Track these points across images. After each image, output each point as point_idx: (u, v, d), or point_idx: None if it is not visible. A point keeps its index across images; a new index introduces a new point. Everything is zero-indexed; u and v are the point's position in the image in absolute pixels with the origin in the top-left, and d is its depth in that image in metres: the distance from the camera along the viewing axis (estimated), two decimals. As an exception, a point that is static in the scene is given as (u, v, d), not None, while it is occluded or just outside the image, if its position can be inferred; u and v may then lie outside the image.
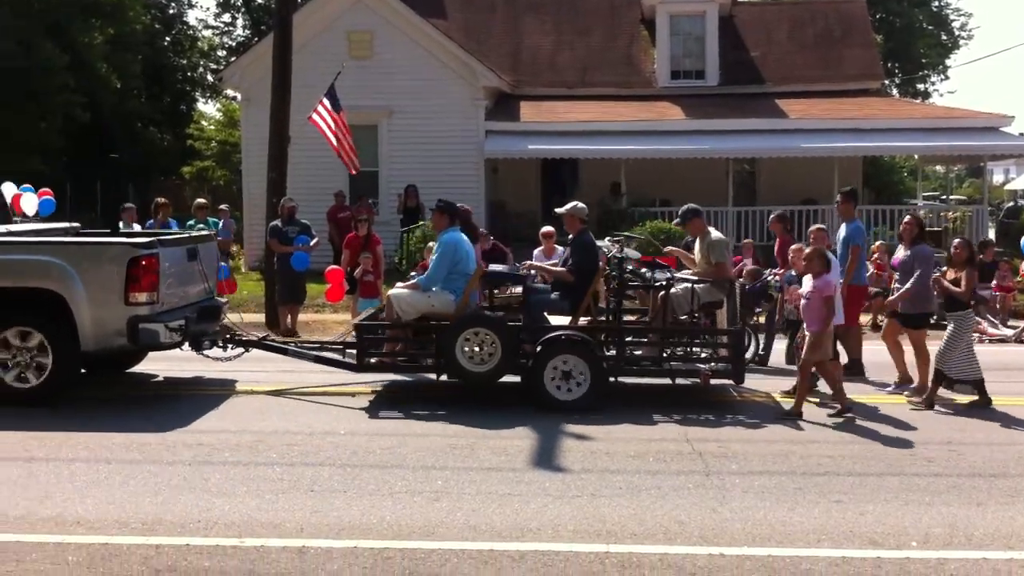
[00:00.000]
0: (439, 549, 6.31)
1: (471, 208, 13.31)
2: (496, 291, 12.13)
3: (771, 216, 14.47)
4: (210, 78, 51.16)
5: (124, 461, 8.34)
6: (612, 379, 10.69)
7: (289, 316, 16.12)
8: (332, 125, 17.56)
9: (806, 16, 28.38)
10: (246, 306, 18.56)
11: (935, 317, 11.93)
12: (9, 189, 16.07)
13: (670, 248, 12.59)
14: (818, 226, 12.35)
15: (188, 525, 6.75)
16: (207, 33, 54.15)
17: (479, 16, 28.29)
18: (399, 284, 11.58)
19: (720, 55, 26.76)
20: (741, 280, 12.53)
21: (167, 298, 10.68)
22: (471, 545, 6.39)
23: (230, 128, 40.12)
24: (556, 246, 13.88)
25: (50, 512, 7.02)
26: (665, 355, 10.72)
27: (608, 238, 11.62)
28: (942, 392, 10.78)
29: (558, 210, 11.72)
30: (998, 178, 57.46)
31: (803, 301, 10.35)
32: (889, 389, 11.46)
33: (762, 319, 13.33)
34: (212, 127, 45.38)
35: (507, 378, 10.56)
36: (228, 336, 11.85)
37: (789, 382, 11.03)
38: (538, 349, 10.31)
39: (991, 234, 27.57)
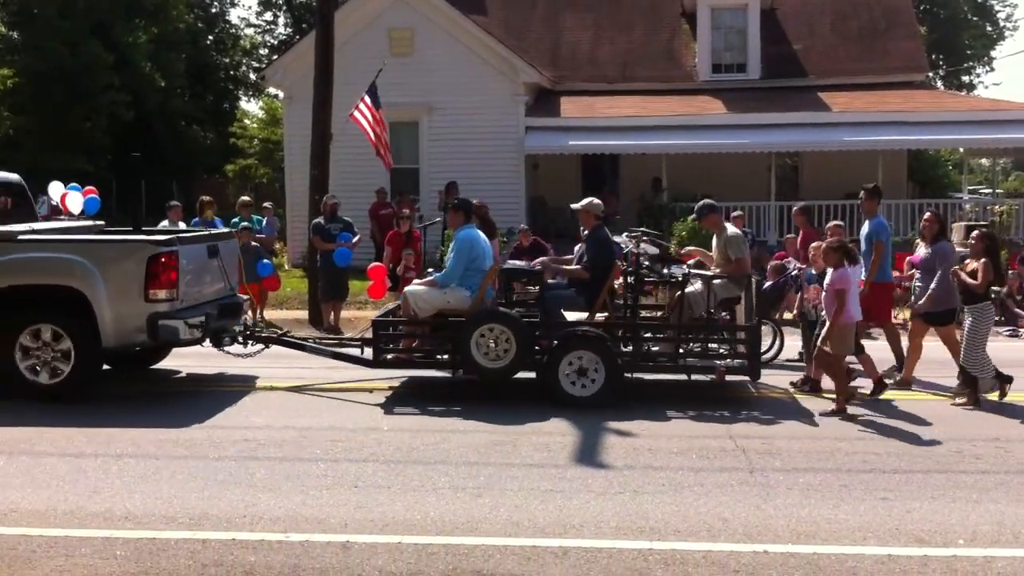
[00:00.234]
0: (482, 545, 6.33)
1: (487, 205, 13.33)
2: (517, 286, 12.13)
3: (794, 209, 14.40)
4: (252, 76, 51.57)
5: (171, 456, 8.43)
6: (628, 375, 10.69)
7: (332, 312, 16.22)
8: (372, 121, 17.65)
9: (849, 8, 28.08)
10: (290, 303, 18.72)
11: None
12: (56, 188, 16.28)
13: (689, 248, 12.55)
14: (835, 223, 12.27)
15: (234, 520, 6.82)
16: (249, 31, 54.65)
17: (519, 12, 28.27)
18: (416, 281, 11.66)
19: (762, 48, 26.54)
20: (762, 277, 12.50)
21: (187, 295, 10.79)
22: (514, 541, 6.40)
23: (272, 126, 40.43)
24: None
25: (98, 507, 7.11)
26: (681, 351, 10.69)
27: (625, 234, 11.61)
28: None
29: (573, 206, 11.75)
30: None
31: (823, 295, 10.30)
32: (890, 381, 11.34)
33: (787, 315, 13.25)
34: (255, 125, 45.79)
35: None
36: (248, 332, 11.98)
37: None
38: (553, 345, 10.31)
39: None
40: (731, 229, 11.55)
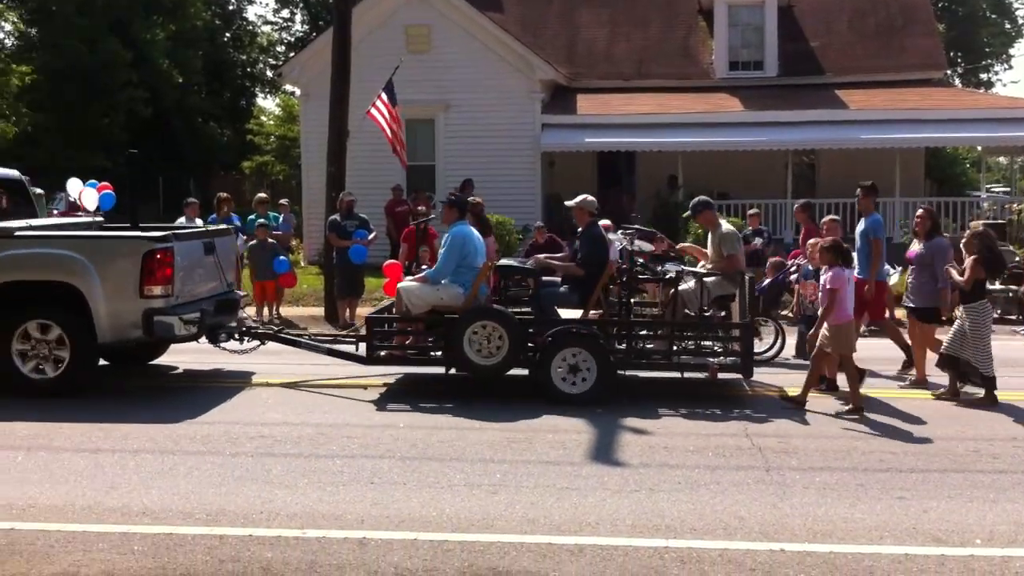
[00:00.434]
0: (498, 542, 6.34)
1: (483, 201, 13.38)
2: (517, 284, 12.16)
3: (796, 206, 14.38)
4: (269, 73, 51.72)
5: (187, 452, 8.47)
6: (621, 372, 10.73)
7: (348, 309, 16.26)
8: (388, 118, 17.67)
9: (867, 5, 27.94)
10: (306, 300, 18.77)
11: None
12: (75, 185, 16.35)
13: (682, 245, 12.57)
14: (831, 217, 12.23)
15: (251, 516, 6.84)
16: (266, 29, 54.78)
17: (535, 9, 28.25)
18: (409, 277, 11.69)
19: (779, 45, 26.43)
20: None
21: (183, 291, 10.84)
22: (530, 538, 6.40)
23: (289, 123, 40.52)
24: (611, 237, 13.82)
25: (116, 502, 7.15)
26: (675, 348, 10.68)
27: (620, 231, 11.62)
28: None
29: (568, 203, 11.79)
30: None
31: (819, 294, 10.28)
32: (903, 384, 11.31)
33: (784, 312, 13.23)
34: (271, 122, 45.89)
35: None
36: (244, 329, 12.04)
37: (799, 377, 11.03)
38: (545, 342, 10.33)
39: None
40: (725, 226, 11.57)
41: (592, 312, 10.88)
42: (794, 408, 10.00)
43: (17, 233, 10.90)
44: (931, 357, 11.28)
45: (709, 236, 11.63)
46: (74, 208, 21.72)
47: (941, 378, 11.09)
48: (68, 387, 10.52)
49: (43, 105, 37.21)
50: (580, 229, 11.53)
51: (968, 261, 10.43)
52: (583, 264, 11.16)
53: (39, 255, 10.61)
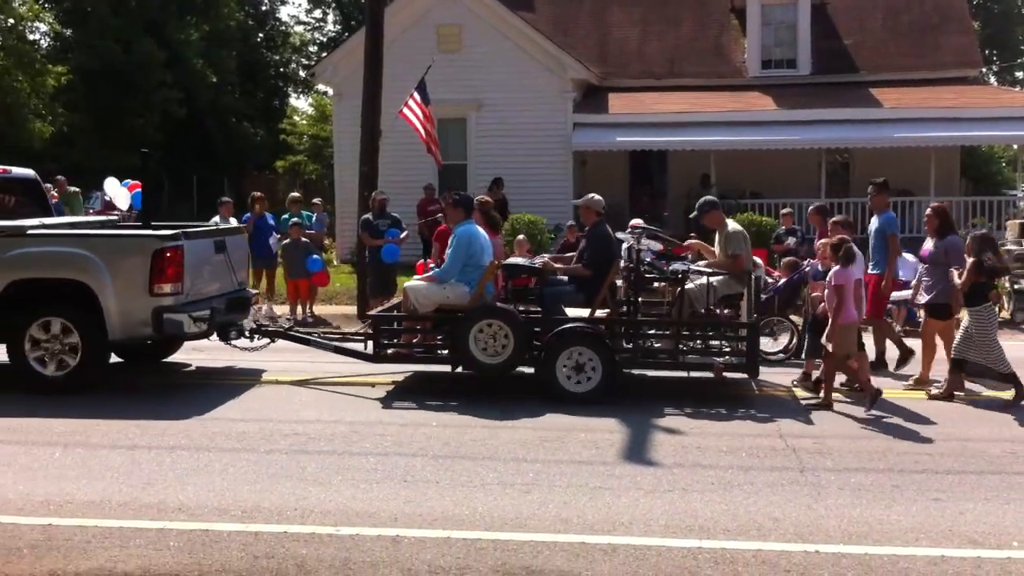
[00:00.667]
0: (531, 541, 6.34)
1: (491, 200, 13.38)
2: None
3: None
4: (302, 73, 51.99)
5: (223, 449, 8.53)
6: (627, 371, 10.76)
7: (380, 308, 16.30)
8: (421, 117, 17.72)
9: (901, 3, 27.72)
10: (338, 298, 18.86)
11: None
12: (112, 184, 16.52)
13: (689, 241, 12.57)
14: (838, 218, 12.16)
15: (285, 513, 6.88)
16: (299, 29, 55.07)
17: (566, 8, 28.23)
18: (416, 276, 11.72)
19: (812, 44, 26.27)
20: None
21: (193, 289, 10.92)
22: (562, 538, 6.40)
23: (322, 123, 40.73)
24: (619, 236, 13.78)
25: (152, 498, 7.21)
26: (682, 348, 10.66)
27: (629, 230, 11.63)
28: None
29: (575, 201, 11.82)
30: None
31: (825, 292, 10.28)
32: (907, 385, 11.24)
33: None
34: (304, 122, 46.16)
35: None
36: (255, 327, 12.15)
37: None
38: (550, 341, 10.33)
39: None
40: (732, 226, 11.55)
41: (599, 311, 10.88)
42: (821, 409, 9.95)
43: (30, 232, 11.03)
44: (939, 357, 11.28)
45: (716, 235, 11.61)
46: (110, 207, 21.97)
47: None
48: (79, 384, 10.63)
49: (78, 105, 37.56)
50: (587, 228, 11.53)
51: (968, 264, 10.42)
52: (589, 263, 11.16)
53: (51, 253, 10.72)
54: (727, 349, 10.76)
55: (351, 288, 18.76)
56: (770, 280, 13.55)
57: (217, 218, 16.60)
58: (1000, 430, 9.32)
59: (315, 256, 16.74)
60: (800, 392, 10.85)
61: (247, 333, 12.00)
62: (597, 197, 11.58)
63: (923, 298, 11.32)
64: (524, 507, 7.02)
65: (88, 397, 10.45)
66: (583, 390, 10.24)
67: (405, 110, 17.66)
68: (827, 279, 10.26)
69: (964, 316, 10.62)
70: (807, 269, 12.73)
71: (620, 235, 11.33)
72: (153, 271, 10.48)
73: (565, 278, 11.55)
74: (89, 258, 10.52)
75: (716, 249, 11.60)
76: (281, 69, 53.79)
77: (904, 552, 6.18)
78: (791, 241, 16.39)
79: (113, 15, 38.45)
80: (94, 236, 11.21)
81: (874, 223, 12.31)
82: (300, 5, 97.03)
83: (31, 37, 39.09)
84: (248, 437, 8.94)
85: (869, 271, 12.05)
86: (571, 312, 10.83)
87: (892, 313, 13.90)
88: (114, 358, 12.09)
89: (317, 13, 54.25)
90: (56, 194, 20.64)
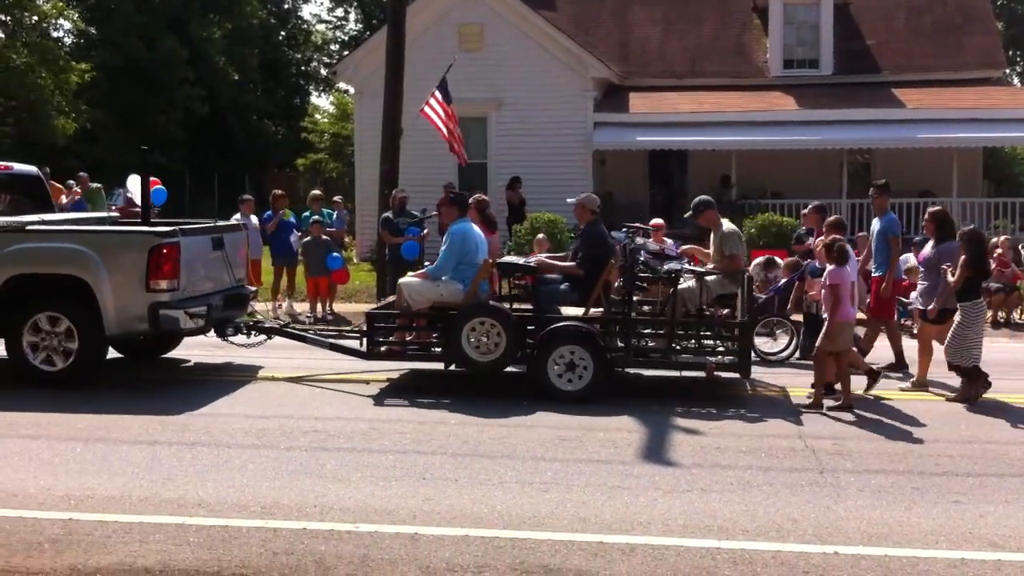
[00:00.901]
0: (549, 540, 6.34)
1: (487, 198, 13.41)
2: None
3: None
4: (323, 72, 52.15)
5: (243, 446, 8.56)
6: (619, 369, 10.80)
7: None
8: (443, 116, 17.74)
9: (924, 3, 27.57)
10: (358, 296, 18.90)
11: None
12: (134, 182, 16.59)
13: (684, 247, 12.57)
14: (833, 218, 12.11)
15: (305, 509, 6.90)
16: (321, 27, 55.23)
17: (588, 6, 28.17)
18: (410, 273, 11.75)
19: (835, 44, 26.14)
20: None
21: (190, 285, 10.97)
22: (580, 537, 6.40)
23: (343, 121, 40.80)
24: (665, 239, 13.79)
25: (172, 494, 7.24)
26: (674, 347, 10.67)
27: (624, 228, 11.63)
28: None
29: (570, 200, 11.82)
30: None
31: (822, 292, 10.31)
32: (904, 386, 11.18)
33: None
34: (325, 120, 46.23)
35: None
36: (252, 323, 12.21)
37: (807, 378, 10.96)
38: (543, 339, 10.34)
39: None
40: (727, 225, 11.53)
41: (593, 310, 10.89)
42: (843, 412, 9.91)
43: (28, 227, 11.12)
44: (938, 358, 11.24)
45: (712, 235, 11.58)
46: (132, 204, 22.06)
47: (949, 380, 11.07)
48: (76, 378, 10.71)
49: (102, 102, 37.77)
50: (581, 227, 11.52)
51: (960, 262, 10.40)
52: (583, 262, 11.16)
53: (49, 249, 10.81)
54: (720, 349, 10.78)
55: (371, 286, 18.79)
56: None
57: (238, 215, 16.67)
58: (1022, 433, 9.26)
59: (335, 254, 16.79)
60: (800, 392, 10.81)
61: (244, 330, 12.06)
62: (592, 196, 11.63)
63: (919, 302, 11.34)
64: (542, 506, 7.02)
65: (90, 393, 10.48)
66: (574, 388, 10.26)
67: (427, 108, 17.69)
68: (822, 279, 10.29)
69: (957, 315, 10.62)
70: (807, 268, 12.72)
71: (615, 234, 11.36)
72: (150, 267, 10.55)
73: (561, 276, 11.55)
74: (87, 254, 10.60)
75: (711, 249, 11.58)
76: (303, 67, 53.97)
77: (924, 554, 6.15)
78: (812, 241, 16.31)
79: (137, 12, 38.66)
80: (92, 232, 11.29)
81: (876, 225, 12.32)
82: (322, 3, 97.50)
83: (55, 34, 39.41)
84: (267, 433, 8.97)
85: (873, 273, 12.06)
86: (565, 311, 10.84)
87: (912, 314, 13.84)
88: (115, 354, 12.21)
89: (339, 12, 54.47)
90: (79, 190, 20.80)
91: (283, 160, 44.90)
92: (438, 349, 10.94)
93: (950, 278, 10.49)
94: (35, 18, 35.63)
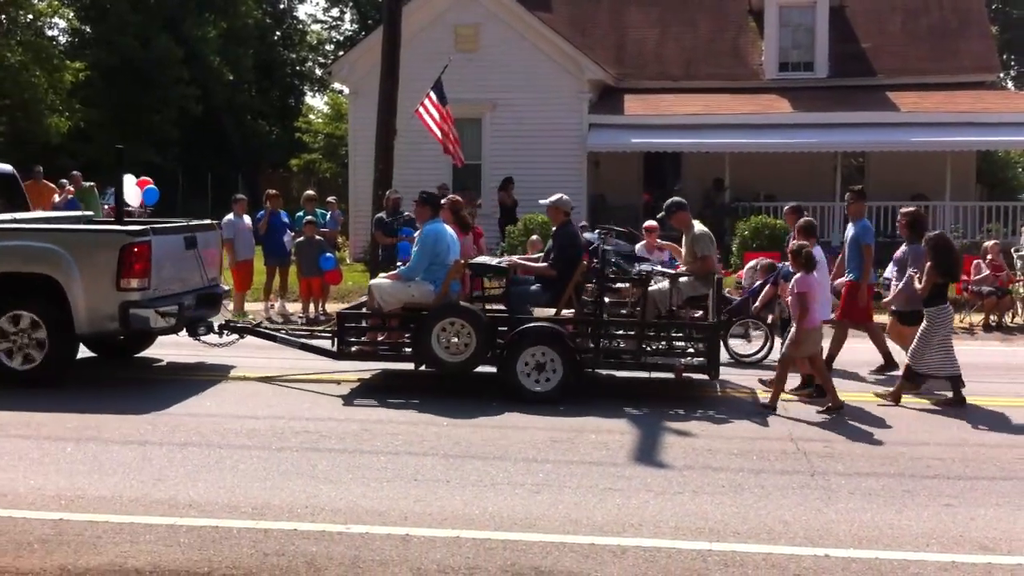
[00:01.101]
0: (540, 541, 6.34)
1: (463, 199, 13.43)
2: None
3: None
4: (318, 72, 52.09)
5: (234, 446, 8.55)
6: (589, 370, 10.83)
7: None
8: (437, 118, 17.73)
9: (920, 6, 27.62)
10: (351, 296, 18.82)
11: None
12: (129, 181, 16.58)
13: (659, 242, 12.55)
14: (802, 220, 12.11)
15: (295, 510, 6.89)
16: (316, 28, 55.17)
17: (584, 8, 28.20)
18: (382, 274, 11.75)
19: (830, 47, 26.18)
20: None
21: (161, 284, 10.96)
22: (572, 538, 6.40)
23: (337, 121, 40.79)
24: (659, 240, 13.80)
25: (163, 495, 7.23)
26: (645, 348, 10.70)
27: (597, 230, 11.64)
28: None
29: (542, 201, 11.84)
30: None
31: (789, 297, 10.36)
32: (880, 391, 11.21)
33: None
34: (320, 120, 46.20)
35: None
36: (224, 323, 12.21)
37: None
38: (512, 340, 10.36)
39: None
40: (699, 227, 11.55)
41: (565, 311, 10.89)
42: (831, 414, 9.92)
43: None
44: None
45: (683, 237, 11.59)
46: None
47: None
48: (47, 377, 10.69)
49: (96, 101, 37.72)
50: (554, 228, 11.54)
51: (926, 268, 10.41)
52: (555, 263, 11.17)
53: (20, 247, 10.79)
54: (691, 350, 10.81)
55: (364, 286, 18.73)
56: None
57: (231, 215, 16.64)
58: (1013, 436, 9.28)
59: (328, 254, 16.77)
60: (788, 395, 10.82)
61: (216, 329, 12.06)
62: (565, 197, 11.63)
63: (894, 302, 11.44)
64: (534, 507, 7.02)
65: (80, 393, 10.52)
66: (542, 389, 10.28)
67: (420, 109, 17.69)
68: (790, 286, 10.32)
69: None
70: (783, 273, 12.76)
71: (588, 235, 11.35)
72: (121, 266, 10.54)
73: (532, 277, 11.57)
74: (58, 253, 10.59)
75: (683, 250, 11.61)
76: (297, 67, 53.94)
77: (915, 557, 6.15)
78: (788, 243, 16.31)
79: (132, 11, 38.61)
80: (63, 231, 11.28)
81: (850, 231, 12.31)
82: (317, 4, 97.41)
83: (50, 33, 39.32)
84: (259, 434, 8.96)
85: (848, 278, 12.08)
86: (537, 312, 10.86)
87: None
88: (89, 353, 12.25)
89: (334, 12, 54.39)
90: (72, 189, 20.75)
91: (277, 160, 44.89)
92: (409, 350, 10.94)
93: (917, 285, 10.52)
94: (30, 17, 35.57)
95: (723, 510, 6.99)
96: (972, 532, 6.62)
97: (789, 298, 10.56)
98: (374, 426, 9.30)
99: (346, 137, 28.71)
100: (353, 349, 11.11)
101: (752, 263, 14.08)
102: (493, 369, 10.65)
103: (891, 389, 10.66)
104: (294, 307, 17.18)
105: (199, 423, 9.34)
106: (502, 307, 11.54)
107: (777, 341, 12.58)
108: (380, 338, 11.26)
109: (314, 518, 6.74)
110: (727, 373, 11.24)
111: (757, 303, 12.18)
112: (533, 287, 11.34)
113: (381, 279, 11.41)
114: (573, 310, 10.99)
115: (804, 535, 6.53)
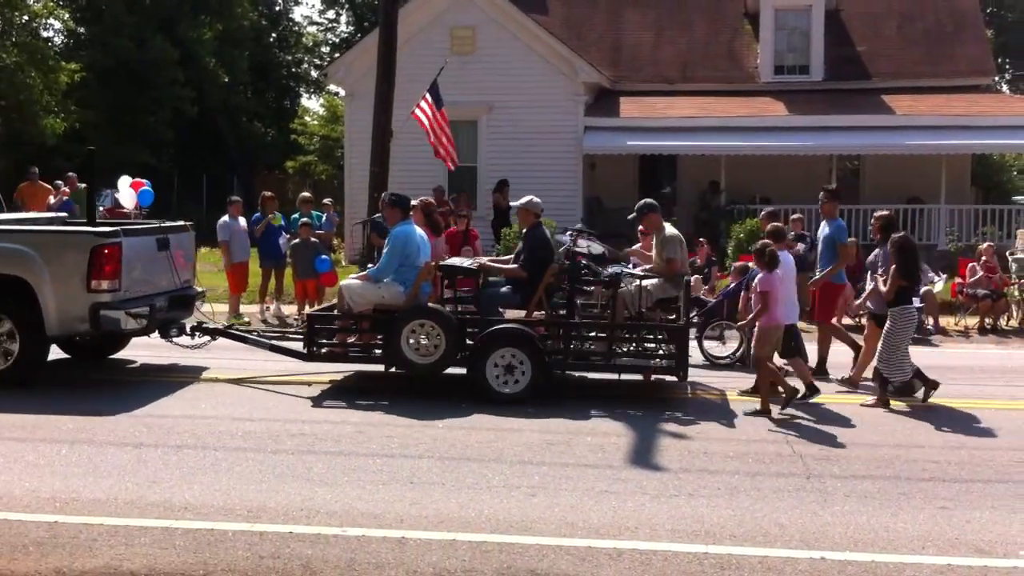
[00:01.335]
0: (536, 544, 6.34)
1: (433, 201, 13.42)
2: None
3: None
4: (314, 74, 52.06)
5: (230, 448, 8.54)
6: (559, 372, 10.85)
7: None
8: (433, 120, 17.72)
9: (916, 10, 27.65)
10: (347, 299, 18.84)
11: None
12: (125, 183, 16.57)
13: (628, 249, 12.58)
14: (771, 225, 12.14)
15: (291, 513, 6.88)
16: (312, 29, 55.11)
17: (580, 11, 28.21)
18: (352, 275, 11.77)
19: (825, 50, 26.19)
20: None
21: (132, 286, 10.95)
22: (568, 541, 6.40)
23: (333, 123, 40.78)
24: (559, 239, 13.80)
25: (158, 497, 7.22)
26: (616, 350, 10.74)
27: (568, 232, 11.65)
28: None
29: (513, 203, 11.85)
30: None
31: (752, 297, 10.41)
32: (840, 391, 11.29)
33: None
34: (315, 122, 46.18)
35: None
36: (195, 324, 12.22)
37: (746, 380, 11.07)
38: (482, 342, 10.38)
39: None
40: (669, 230, 11.56)
41: (536, 313, 10.90)
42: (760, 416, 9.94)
43: None
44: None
45: (654, 239, 11.60)
46: (118, 206, 22.03)
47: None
48: (17, 379, 10.68)
49: (91, 102, 37.64)
50: (524, 230, 11.56)
51: (891, 271, 10.43)
52: (525, 265, 11.18)
53: None
54: (660, 352, 10.81)
55: (360, 289, 18.72)
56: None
57: (226, 217, 16.63)
58: (1008, 439, 9.29)
59: (324, 256, 16.76)
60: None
61: (188, 331, 12.06)
62: (536, 200, 11.64)
63: (869, 304, 11.49)
64: (530, 510, 7.01)
65: (95, 394, 10.49)
66: (511, 391, 10.31)
67: (417, 111, 17.68)
68: (753, 284, 10.34)
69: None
70: (752, 273, 12.81)
71: (559, 237, 11.36)
72: (91, 268, 10.53)
73: (503, 279, 11.58)
74: (28, 254, 10.59)
75: (653, 253, 11.62)
76: (293, 69, 53.86)
77: (910, 560, 6.16)
78: (800, 247, 16.34)
79: (127, 13, 38.54)
80: (33, 232, 11.28)
81: (824, 230, 12.32)
82: (313, 6, 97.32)
83: (45, 34, 39.26)
84: (255, 436, 8.95)
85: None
86: (508, 314, 10.87)
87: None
88: (62, 354, 12.28)
89: (330, 14, 54.32)
90: (67, 191, 20.73)
91: (272, 162, 44.81)
92: (379, 351, 10.94)
93: (881, 287, 10.55)
94: (25, 18, 35.51)
95: (719, 513, 6.99)
96: (968, 535, 6.62)
97: (752, 296, 10.62)
98: (370, 428, 9.29)
99: (342, 139, 28.71)
100: (323, 351, 11.12)
101: (736, 265, 14.13)
102: (463, 370, 10.65)
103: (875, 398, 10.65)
104: (290, 309, 17.16)
105: (194, 425, 9.33)
106: (473, 308, 11.55)
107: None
108: (351, 340, 11.26)
109: (310, 521, 6.73)
110: (703, 375, 11.13)
111: (740, 308, 12.18)
112: (504, 289, 11.36)
113: (351, 280, 11.42)
114: (543, 312, 11.00)
115: (800, 538, 6.53)
